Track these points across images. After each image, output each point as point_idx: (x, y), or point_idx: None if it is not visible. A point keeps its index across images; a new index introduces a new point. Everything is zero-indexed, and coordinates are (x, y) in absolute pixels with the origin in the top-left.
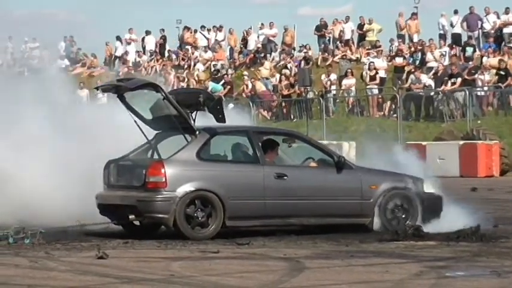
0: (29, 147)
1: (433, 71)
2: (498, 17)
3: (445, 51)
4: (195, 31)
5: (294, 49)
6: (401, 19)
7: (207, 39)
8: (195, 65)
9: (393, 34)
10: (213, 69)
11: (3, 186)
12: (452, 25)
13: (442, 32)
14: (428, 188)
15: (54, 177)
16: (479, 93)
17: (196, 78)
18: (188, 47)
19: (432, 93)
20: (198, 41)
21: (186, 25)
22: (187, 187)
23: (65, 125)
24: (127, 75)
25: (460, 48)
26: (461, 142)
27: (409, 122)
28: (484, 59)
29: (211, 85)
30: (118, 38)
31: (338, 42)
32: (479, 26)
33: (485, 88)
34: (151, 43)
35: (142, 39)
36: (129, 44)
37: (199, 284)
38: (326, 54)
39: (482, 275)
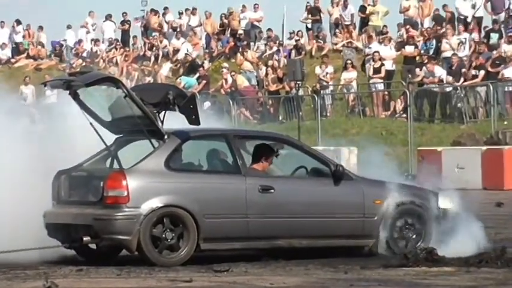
0: None
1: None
2: None
3: (465, 39)
4: (164, 15)
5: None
6: (404, 1)
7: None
8: (163, 55)
9: (401, 18)
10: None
11: None
12: (474, 7)
13: (460, 15)
14: (444, 203)
15: None
16: (506, 89)
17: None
18: (156, 33)
19: (449, 89)
20: (166, 27)
21: (153, 7)
22: (154, 203)
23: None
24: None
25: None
26: (484, 147)
27: (421, 124)
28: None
29: (183, 80)
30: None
31: (336, 28)
32: (506, 7)
33: None
34: (110, 30)
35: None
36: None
37: None
38: (321, 42)
39: None
